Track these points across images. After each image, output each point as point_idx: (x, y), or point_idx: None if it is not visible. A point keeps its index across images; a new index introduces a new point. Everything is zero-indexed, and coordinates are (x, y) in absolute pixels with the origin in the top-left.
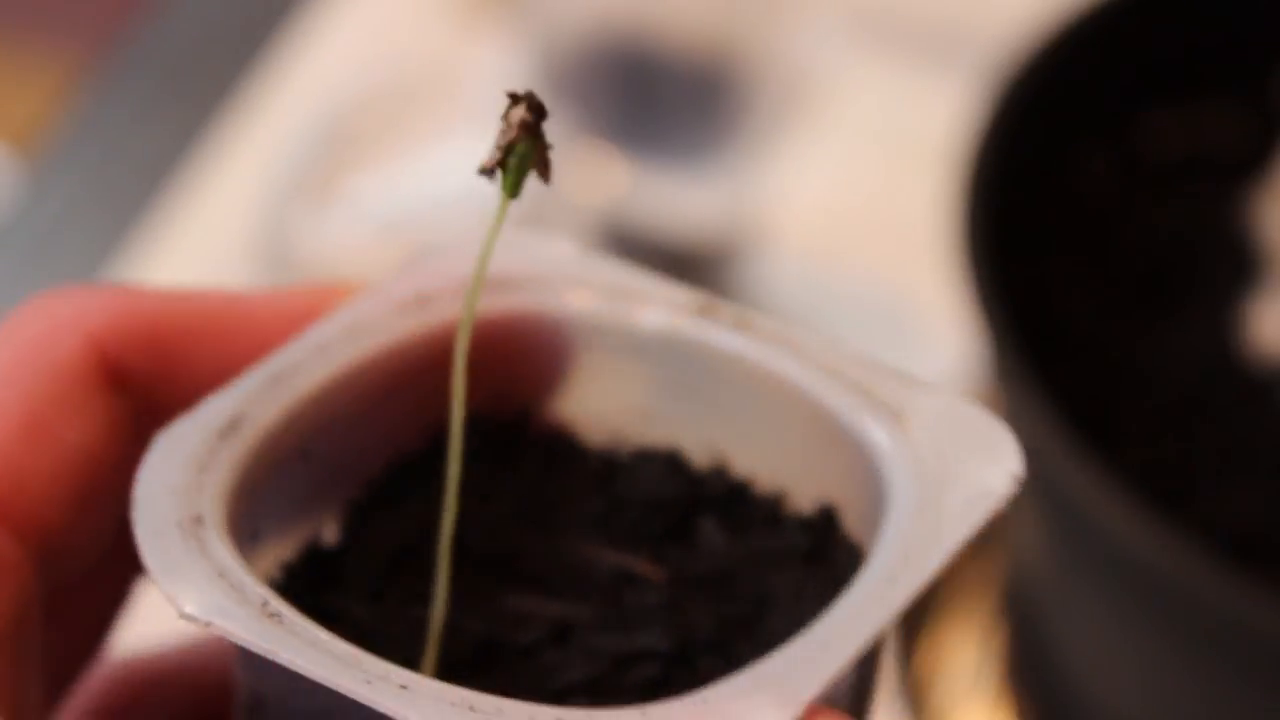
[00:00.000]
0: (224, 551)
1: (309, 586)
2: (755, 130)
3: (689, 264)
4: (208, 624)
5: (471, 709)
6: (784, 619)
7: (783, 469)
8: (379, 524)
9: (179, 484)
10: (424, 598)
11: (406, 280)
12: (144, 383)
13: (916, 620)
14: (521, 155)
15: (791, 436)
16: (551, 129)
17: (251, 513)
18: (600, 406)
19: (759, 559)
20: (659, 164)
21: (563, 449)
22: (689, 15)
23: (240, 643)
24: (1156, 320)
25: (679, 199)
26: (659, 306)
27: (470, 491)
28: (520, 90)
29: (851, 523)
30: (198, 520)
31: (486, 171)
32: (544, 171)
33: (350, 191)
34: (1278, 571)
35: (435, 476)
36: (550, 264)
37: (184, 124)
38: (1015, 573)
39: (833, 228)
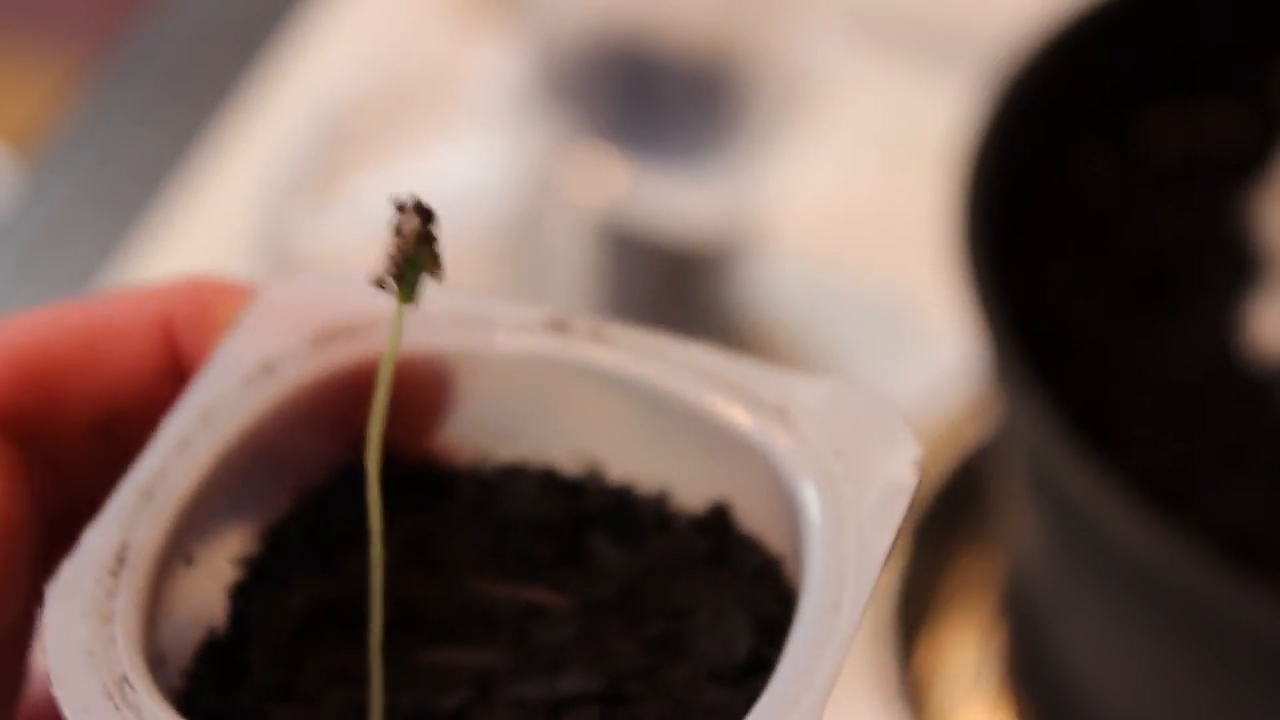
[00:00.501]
0: (160, 714)
1: (216, 689)
2: (755, 130)
3: (689, 264)
4: None
5: None
6: (705, 632)
7: (661, 471)
8: (267, 604)
9: (90, 640)
10: (336, 677)
11: (245, 345)
12: (31, 424)
13: (916, 620)
14: (416, 264)
15: (667, 440)
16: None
17: (154, 637)
18: (462, 437)
19: (660, 569)
20: (659, 164)
21: (431, 481)
22: (689, 15)
23: None
24: (1157, 320)
25: (679, 199)
26: (509, 329)
27: (348, 544)
28: (406, 200)
29: (746, 518)
30: (123, 682)
31: (381, 282)
32: (436, 272)
33: (350, 191)
34: (1278, 571)
35: (312, 539)
36: (390, 304)
37: (184, 124)
38: (1015, 573)
39: (833, 228)
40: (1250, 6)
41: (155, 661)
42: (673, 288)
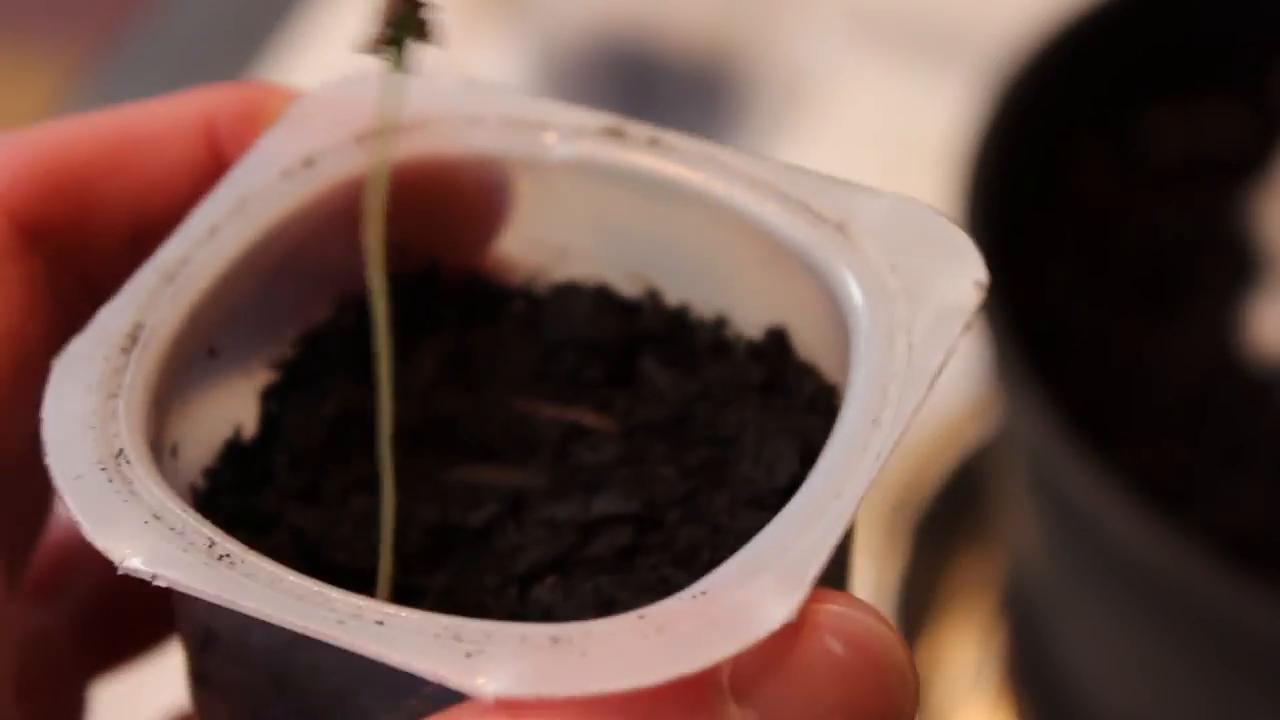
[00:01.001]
0: (155, 489)
1: (237, 490)
2: (755, 129)
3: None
4: (154, 576)
5: (457, 639)
6: (749, 459)
7: (719, 293)
8: (298, 409)
9: (91, 415)
10: (362, 485)
11: (286, 140)
12: (58, 234)
13: (916, 620)
14: (405, 27)
15: (725, 258)
16: None
17: (169, 426)
18: (514, 248)
19: (712, 395)
20: None
21: (480, 297)
22: (689, 15)
23: (194, 593)
24: (1157, 320)
25: None
26: (564, 133)
27: (398, 340)
28: None
29: (803, 344)
30: (119, 456)
31: (370, 49)
32: (427, 36)
33: None
34: (1278, 571)
35: (349, 347)
36: (439, 102)
37: None
38: (1015, 573)
39: None
40: (1250, 6)
41: (167, 449)
42: None
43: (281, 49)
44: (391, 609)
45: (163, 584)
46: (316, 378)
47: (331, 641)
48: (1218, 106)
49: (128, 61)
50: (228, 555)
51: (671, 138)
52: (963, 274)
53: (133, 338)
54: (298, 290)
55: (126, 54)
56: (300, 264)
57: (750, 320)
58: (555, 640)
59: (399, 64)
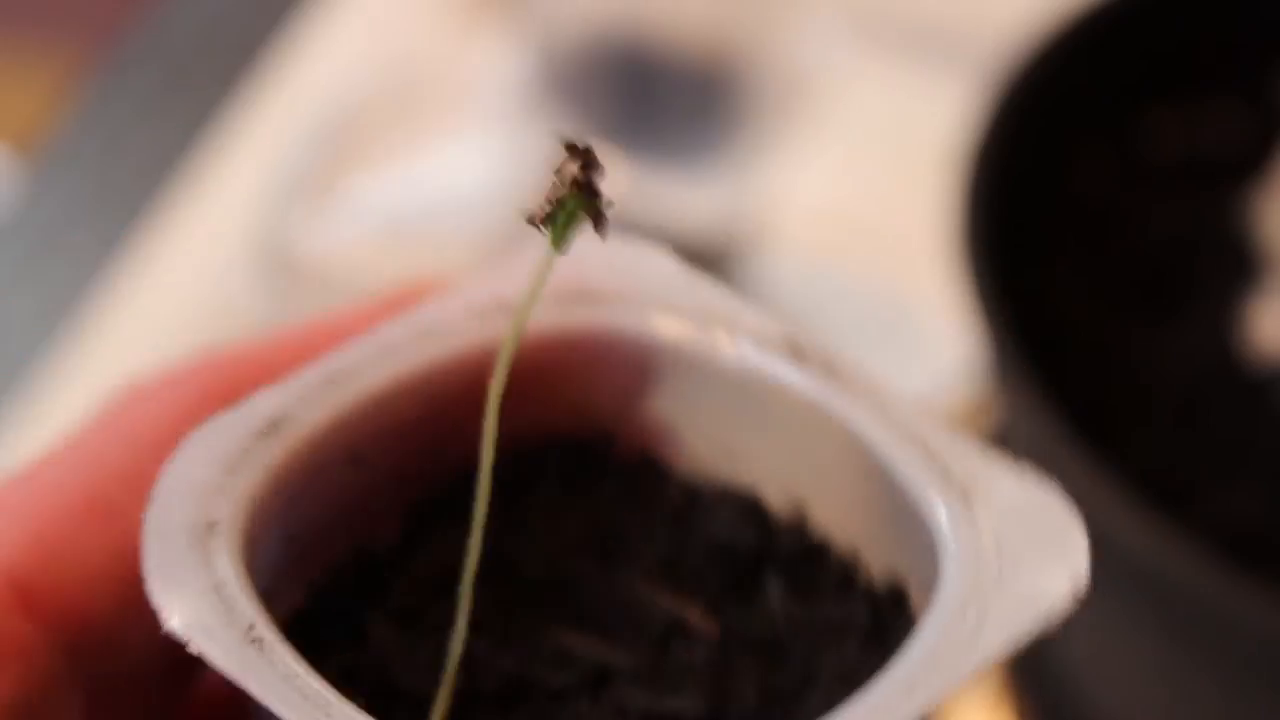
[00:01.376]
0: (227, 564)
1: (350, 594)
2: (755, 130)
3: (689, 264)
4: (188, 641)
5: None
6: (825, 701)
7: (857, 530)
8: (437, 536)
9: (202, 485)
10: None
11: (485, 284)
12: (60, 603)
13: None
14: (570, 212)
15: (864, 497)
16: (606, 183)
17: (289, 517)
18: (686, 438)
19: (818, 630)
20: (659, 164)
21: (643, 479)
22: (689, 15)
23: (214, 666)
24: (1157, 320)
25: (679, 199)
26: (748, 339)
27: (538, 513)
28: (578, 142)
29: (917, 602)
30: (210, 527)
31: (534, 222)
32: (599, 225)
33: (351, 191)
34: (1278, 571)
35: (504, 492)
36: (641, 279)
37: (184, 124)
38: None
39: (832, 228)
40: (1250, 7)
41: (276, 536)
42: None
43: (281, 50)
44: None
45: (193, 651)
46: (463, 514)
47: None
48: (1218, 106)
49: (128, 60)
50: (260, 640)
51: (846, 364)
52: (1064, 565)
53: (274, 425)
54: (463, 425)
55: (127, 53)
56: (472, 402)
57: (877, 562)
58: None
59: (557, 243)
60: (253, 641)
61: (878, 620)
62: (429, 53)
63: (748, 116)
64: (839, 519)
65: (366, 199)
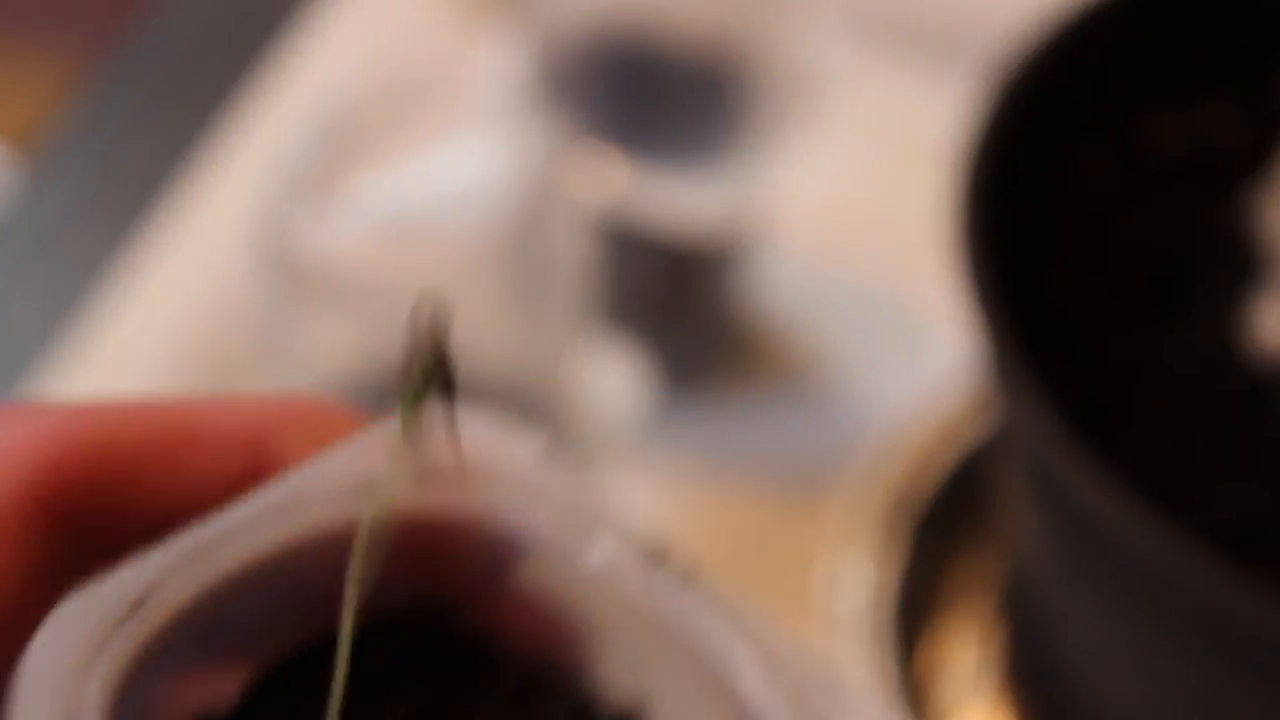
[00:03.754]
0: None
1: None
2: (756, 130)
3: (690, 263)
4: None
5: None
6: None
7: None
8: (276, 703)
9: (67, 669)
10: None
11: (354, 458)
12: (85, 520)
13: (916, 620)
14: (418, 392)
15: (709, 713)
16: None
17: (147, 691)
18: (530, 626)
19: None
20: (659, 164)
21: (480, 664)
22: (690, 14)
23: None
24: (1157, 320)
25: (680, 198)
26: (609, 542)
27: (369, 692)
28: (422, 310)
29: None
30: (71, 716)
31: (393, 391)
32: (444, 392)
33: (351, 191)
34: (1278, 571)
35: (352, 669)
36: (509, 464)
37: (184, 124)
38: (1015, 572)
39: (833, 227)
40: (1250, 7)
41: (135, 713)
42: (673, 287)
43: (282, 49)
44: None
45: None
46: (302, 685)
47: None
48: (1218, 106)
49: (128, 62)
50: None
51: (704, 581)
52: None
53: (139, 602)
54: (318, 601)
55: (126, 54)
56: (330, 578)
57: None
58: None
59: (414, 416)
60: None
61: None
62: (429, 53)
63: (748, 116)
64: None
65: (367, 199)
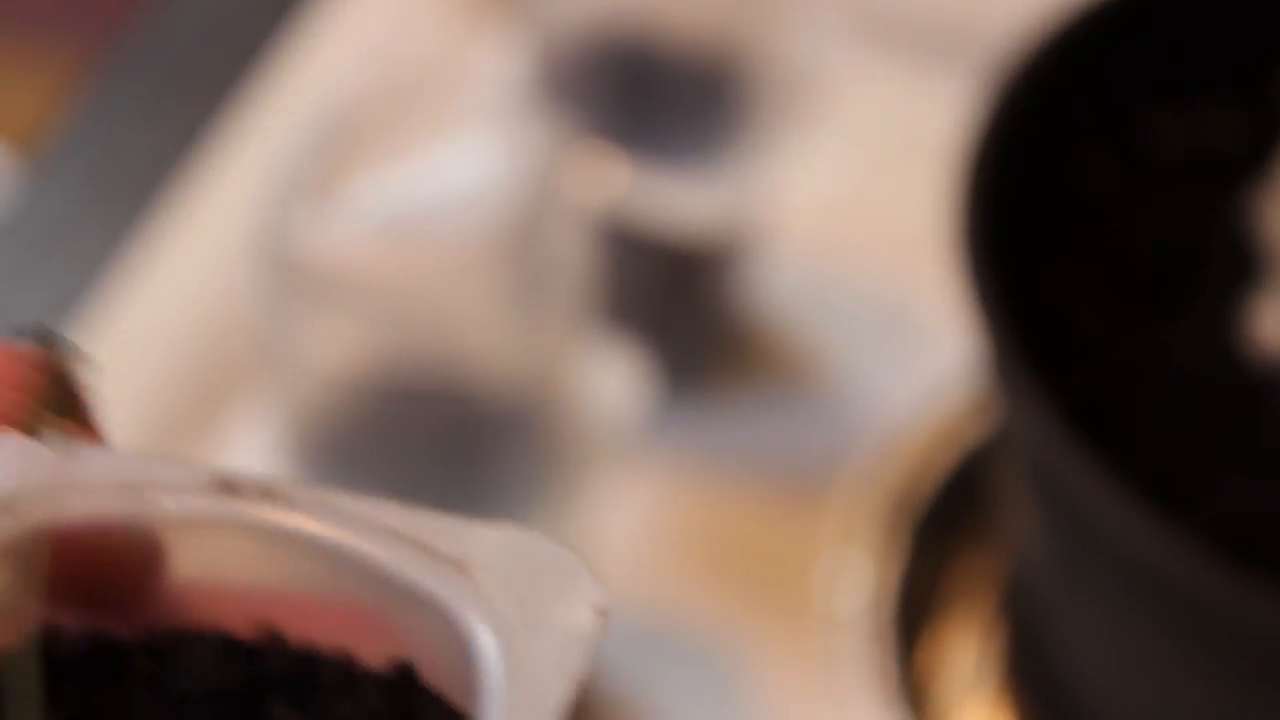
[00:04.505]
0: None
1: None
2: (755, 130)
3: (689, 264)
4: None
5: None
6: None
7: (341, 634)
8: None
9: None
10: None
11: None
12: None
13: (916, 620)
14: (48, 403)
15: (344, 601)
16: None
17: None
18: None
19: None
20: (659, 164)
21: (101, 652)
22: (690, 14)
23: None
24: (1157, 320)
25: (679, 198)
26: (175, 492)
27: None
28: (39, 332)
29: (431, 675)
30: None
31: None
32: (72, 412)
33: (351, 191)
34: (1278, 571)
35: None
36: (31, 471)
37: (184, 123)
38: (1015, 572)
39: (833, 227)
40: (1250, 7)
41: None
42: (673, 288)
43: (282, 49)
44: None
45: None
46: None
47: None
48: (1218, 106)
49: (128, 61)
50: None
51: (285, 487)
52: (581, 601)
53: None
54: None
55: (127, 53)
56: None
57: (377, 654)
58: None
59: (47, 439)
60: None
61: (397, 702)
62: (429, 53)
63: (748, 116)
64: (319, 630)
65: (367, 199)
